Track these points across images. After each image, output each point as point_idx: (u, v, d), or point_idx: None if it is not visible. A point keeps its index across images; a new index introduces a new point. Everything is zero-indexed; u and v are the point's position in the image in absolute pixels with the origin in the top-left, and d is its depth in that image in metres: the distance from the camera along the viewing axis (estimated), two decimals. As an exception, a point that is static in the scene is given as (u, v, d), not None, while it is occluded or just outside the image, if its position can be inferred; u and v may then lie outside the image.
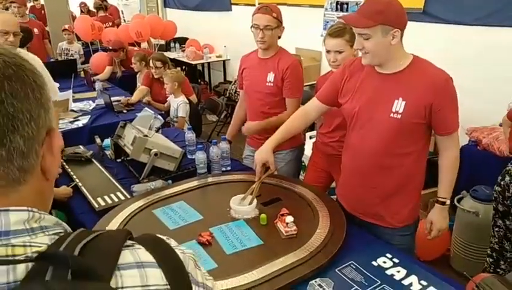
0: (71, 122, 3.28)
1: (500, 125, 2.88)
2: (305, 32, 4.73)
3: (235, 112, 2.70)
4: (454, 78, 1.58)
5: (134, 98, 3.92)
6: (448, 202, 1.65)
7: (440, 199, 1.65)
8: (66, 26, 5.51)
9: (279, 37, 2.31)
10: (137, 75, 4.57)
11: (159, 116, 2.63)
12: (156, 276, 0.52)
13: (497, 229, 2.28)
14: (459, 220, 2.68)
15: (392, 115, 1.54)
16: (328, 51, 2.12)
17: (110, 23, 6.87)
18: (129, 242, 0.54)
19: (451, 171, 1.64)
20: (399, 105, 1.53)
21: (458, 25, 3.38)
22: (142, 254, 0.53)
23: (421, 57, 1.59)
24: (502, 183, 2.19)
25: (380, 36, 1.47)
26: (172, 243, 0.59)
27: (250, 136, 2.56)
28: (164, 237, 0.60)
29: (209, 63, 6.57)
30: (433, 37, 3.46)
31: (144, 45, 6.43)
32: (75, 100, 3.83)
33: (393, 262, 1.45)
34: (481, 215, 2.51)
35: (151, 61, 4.04)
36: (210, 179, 2.09)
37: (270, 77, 2.32)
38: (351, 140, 1.72)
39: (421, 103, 1.50)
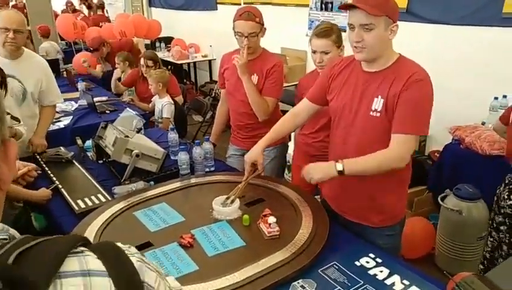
0: (53, 123, 3.21)
1: (483, 124, 2.92)
2: (290, 32, 4.73)
3: (217, 112, 2.67)
4: (437, 77, 1.56)
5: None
6: (339, 167, 1.50)
7: (338, 161, 1.52)
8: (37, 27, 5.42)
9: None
10: (122, 75, 4.51)
11: (141, 117, 2.58)
12: (103, 285, 0.49)
13: (491, 239, 2.30)
14: (443, 218, 2.70)
15: (371, 113, 1.54)
16: (314, 52, 2.11)
17: (105, 22, 6.80)
18: (79, 249, 0.50)
19: (371, 157, 1.49)
20: (378, 103, 1.52)
21: (441, 24, 3.41)
22: (91, 262, 0.50)
23: (406, 56, 1.58)
24: (497, 192, 2.21)
25: (382, 29, 1.45)
26: (132, 250, 0.57)
27: (235, 136, 2.54)
28: (124, 246, 0.56)
29: (194, 63, 6.54)
30: (417, 36, 3.48)
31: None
32: (57, 101, 3.75)
33: (376, 262, 1.45)
34: (464, 214, 2.53)
35: (142, 59, 3.99)
36: (193, 180, 2.06)
37: (254, 79, 2.30)
38: (335, 138, 1.71)
39: (394, 100, 1.48)
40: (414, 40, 3.45)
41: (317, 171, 1.59)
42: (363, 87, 1.57)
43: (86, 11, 8.68)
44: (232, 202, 1.72)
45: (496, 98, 2.95)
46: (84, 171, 2.24)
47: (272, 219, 1.56)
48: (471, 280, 1.06)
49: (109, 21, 7.01)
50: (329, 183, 1.81)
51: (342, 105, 1.63)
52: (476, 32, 3.19)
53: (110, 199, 1.92)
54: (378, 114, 1.52)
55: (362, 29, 1.46)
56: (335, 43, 2.05)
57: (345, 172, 1.51)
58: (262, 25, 2.24)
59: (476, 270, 2.60)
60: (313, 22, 4.46)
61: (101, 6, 7.74)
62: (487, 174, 2.62)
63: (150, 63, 3.93)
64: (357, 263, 1.44)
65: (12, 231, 0.52)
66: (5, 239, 0.49)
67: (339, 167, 1.52)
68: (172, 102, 3.65)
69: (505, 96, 2.94)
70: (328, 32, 2.05)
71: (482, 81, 3.17)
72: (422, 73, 1.49)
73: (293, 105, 2.41)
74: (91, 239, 1.53)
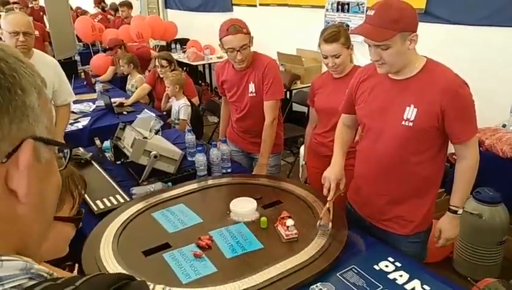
0: (71, 124, 3.26)
1: (504, 126, 2.86)
2: (306, 33, 4.70)
3: (222, 114, 2.70)
4: None
5: (132, 99, 3.90)
6: (460, 211, 1.59)
7: (452, 208, 1.60)
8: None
9: None
10: (128, 78, 4.55)
11: (159, 118, 2.60)
12: None
13: None
14: (462, 222, 2.63)
15: (403, 122, 1.50)
16: (325, 57, 2.09)
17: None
18: None
19: (464, 180, 1.58)
20: (410, 112, 1.48)
21: (461, 25, 3.35)
22: None
23: (434, 59, 1.54)
24: None
25: (399, 44, 1.41)
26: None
27: (239, 138, 2.54)
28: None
29: (210, 64, 6.55)
30: (436, 37, 3.43)
31: (150, 45, 6.42)
32: (75, 102, 3.79)
33: (396, 266, 1.43)
34: (485, 218, 2.48)
35: (157, 60, 4.02)
36: (210, 182, 2.07)
37: (252, 87, 2.31)
38: (363, 146, 1.69)
39: (433, 110, 1.45)
40: (433, 41, 3.40)
41: (451, 231, 1.64)
42: (392, 95, 1.53)
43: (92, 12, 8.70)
44: (330, 221, 1.57)
45: (518, 100, 2.89)
46: (102, 172, 2.27)
47: (290, 222, 1.55)
48: (495, 287, 1.04)
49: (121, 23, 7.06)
50: (354, 188, 1.79)
51: (369, 113, 1.61)
52: (496, 33, 3.13)
53: (128, 199, 1.94)
54: (411, 124, 1.48)
55: (378, 48, 1.44)
56: (344, 45, 2.03)
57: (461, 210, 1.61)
58: (250, 34, 2.23)
59: (495, 275, 2.55)
60: (328, 23, 4.43)
61: (115, 8, 7.76)
62: (508, 178, 2.57)
63: (164, 63, 3.96)
64: (376, 267, 1.43)
65: (37, 269, 0.44)
66: (24, 284, 0.42)
67: (460, 212, 1.62)
68: (189, 104, 3.67)
69: (526, 98, 2.88)
70: (336, 36, 2.02)
71: (503, 83, 3.11)
72: (456, 79, 1.47)
73: (306, 106, 2.41)
74: (110, 240, 1.56)
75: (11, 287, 0.40)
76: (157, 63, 3.99)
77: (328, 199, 1.62)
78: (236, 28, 2.16)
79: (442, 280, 1.37)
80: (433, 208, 1.68)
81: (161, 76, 4.00)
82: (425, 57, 1.53)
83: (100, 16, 7.12)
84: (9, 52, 0.46)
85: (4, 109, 0.43)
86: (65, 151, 0.54)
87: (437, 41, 3.38)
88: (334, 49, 2.03)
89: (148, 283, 0.48)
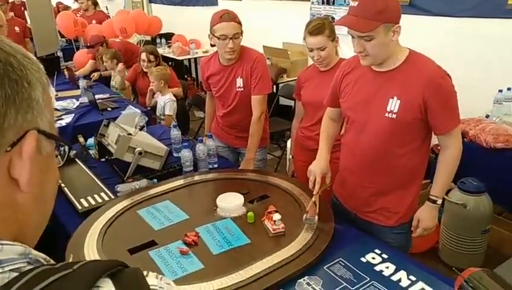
0: (54, 121, 3.20)
1: (487, 116, 2.90)
2: (291, 27, 4.69)
3: (207, 110, 2.68)
4: None
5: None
6: (439, 201, 1.60)
7: (431, 197, 1.60)
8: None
9: None
10: (112, 74, 4.49)
11: (144, 114, 2.57)
12: None
13: None
14: (447, 212, 2.68)
15: (387, 114, 1.50)
16: (310, 50, 2.09)
17: (94, 22, 6.73)
18: (103, 283, 0.43)
19: (446, 170, 1.59)
20: (394, 104, 1.49)
21: (445, 17, 3.37)
22: None
23: (416, 51, 1.54)
24: None
25: (382, 36, 1.42)
26: (163, 284, 0.48)
27: (225, 133, 2.52)
28: (155, 281, 0.48)
29: (195, 59, 6.50)
30: (420, 29, 3.45)
31: (135, 40, 6.32)
32: (58, 99, 3.74)
33: (382, 258, 1.44)
34: (469, 207, 2.51)
35: (143, 54, 3.97)
36: (196, 177, 2.05)
37: (239, 82, 2.29)
38: (347, 138, 1.70)
39: (416, 102, 1.46)
40: (418, 33, 3.42)
41: (430, 221, 1.63)
42: (376, 87, 1.54)
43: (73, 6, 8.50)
44: (316, 214, 1.57)
45: (501, 91, 2.93)
46: (86, 169, 2.24)
47: (276, 216, 1.55)
48: (479, 276, 1.05)
49: (108, 17, 6.93)
50: (339, 181, 1.80)
51: (353, 105, 1.61)
52: (479, 25, 3.16)
53: (113, 197, 1.92)
54: (394, 115, 1.49)
55: (362, 39, 1.44)
56: (329, 37, 2.03)
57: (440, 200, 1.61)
58: (241, 26, 2.20)
59: (479, 264, 2.59)
60: (314, 16, 4.42)
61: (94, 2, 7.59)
62: (491, 167, 2.60)
63: (152, 57, 3.91)
64: (363, 259, 1.43)
65: (35, 255, 0.45)
66: (23, 267, 0.43)
67: (439, 202, 1.61)
68: (175, 99, 3.63)
69: (509, 89, 2.91)
70: (321, 28, 2.02)
71: (486, 74, 3.14)
72: (438, 70, 1.48)
73: (293, 99, 2.41)
74: (94, 238, 1.53)
75: (10, 270, 0.42)
76: (143, 57, 3.93)
77: (314, 192, 1.62)
78: (230, 16, 2.15)
79: (428, 270, 1.38)
80: (417, 199, 1.69)
81: (144, 70, 3.96)
82: (408, 48, 1.53)
83: (82, 11, 6.98)
84: (16, 49, 0.48)
85: (12, 100, 0.45)
86: (61, 149, 0.56)
87: (422, 33, 3.40)
88: (319, 41, 2.02)
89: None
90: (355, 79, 1.61)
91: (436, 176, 1.61)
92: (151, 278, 0.47)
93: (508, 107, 2.90)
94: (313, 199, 1.60)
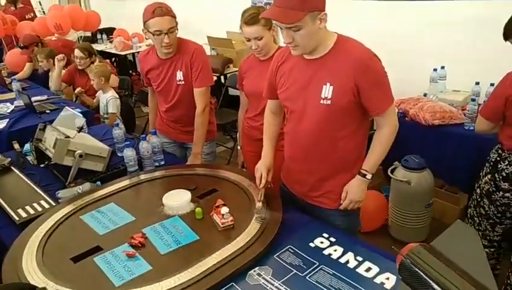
0: None
1: (425, 95, 3.03)
2: (234, 15, 4.62)
3: (150, 106, 2.61)
4: (379, 52, 1.54)
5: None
6: (369, 176, 1.62)
7: (362, 171, 1.62)
8: None
9: None
10: (49, 74, 4.26)
11: (80, 114, 2.46)
12: None
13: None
14: (394, 190, 2.80)
15: (322, 101, 1.51)
16: (248, 40, 2.07)
17: (32, 14, 6.32)
18: None
19: (379, 147, 1.61)
20: (327, 90, 1.50)
21: (375, 0, 3.47)
22: None
23: (344, 35, 1.56)
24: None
25: (310, 25, 1.40)
26: None
27: (169, 128, 2.47)
28: None
29: (139, 53, 6.31)
30: (355, 12, 3.54)
31: (74, 36, 6.00)
32: (-11, 104, 3.51)
33: (330, 241, 1.47)
34: (413, 184, 2.62)
35: (76, 50, 3.79)
36: (142, 177, 1.99)
37: (179, 75, 2.24)
38: (287, 128, 1.70)
39: (348, 86, 1.47)
40: (353, 16, 3.51)
41: (358, 194, 1.63)
42: (309, 75, 1.54)
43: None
44: (262, 207, 1.59)
45: (435, 70, 3.06)
46: (24, 177, 2.10)
47: (224, 210, 1.54)
48: (417, 250, 1.09)
49: (33, 12, 6.50)
50: (286, 169, 1.80)
51: (290, 96, 1.61)
52: (411, 6, 3.29)
53: (54, 204, 1.82)
54: (329, 101, 1.50)
55: (290, 30, 1.42)
56: (265, 26, 2.01)
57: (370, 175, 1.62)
58: (176, 18, 2.15)
59: (425, 236, 2.73)
60: (256, 3, 4.41)
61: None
62: (431, 144, 2.73)
63: (86, 54, 3.76)
64: (312, 245, 1.45)
65: None
66: None
67: (369, 177, 1.61)
68: (117, 96, 3.50)
69: (443, 68, 3.06)
70: (256, 18, 1.99)
71: (422, 54, 3.28)
72: (365, 52, 1.49)
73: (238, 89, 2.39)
74: (34, 250, 1.46)
75: None
76: (76, 54, 3.76)
77: (260, 186, 1.66)
78: (164, 10, 2.07)
79: (373, 249, 1.42)
80: None
81: (79, 68, 3.80)
82: (336, 33, 1.54)
83: (21, 5, 6.53)
84: None
85: None
86: None
87: (358, 16, 3.49)
88: (255, 31, 2.00)
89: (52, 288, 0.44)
90: (289, 69, 1.61)
91: (370, 152, 1.63)
92: None
93: (442, 85, 3.05)
94: (259, 192, 1.64)
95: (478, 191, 2.22)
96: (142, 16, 2.12)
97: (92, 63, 3.80)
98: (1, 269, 1.39)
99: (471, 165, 2.47)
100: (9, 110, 3.38)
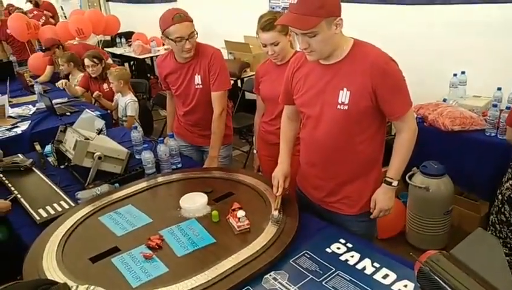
0: (8, 129, 3.07)
1: (444, 100, 2.98)
2: (252, 19, 4.65)
3: (168, 109, 2.64)
4: (397, 58, 1.54)
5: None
6: (395, 183, 1.61)
7: (387, 179, 1.62)
8: None
9: None
10: (70, 77, 4.35)
11: (101, 117, 2.50)
12: None
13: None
14: (412, 196, 2.76)
15: (339, 106, 1.50)
16: (264, 45, 2.07)
17: (44, 19, 6.45)
18: None
19: (400, 152, 1.60)
20: (344, 95, 1.49)
21: (397, 5, 3.44)
22: None
23: (360, 40, 1.55)
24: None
25: (326, 30, 1.40)
26: None
27: (188, 131, 2.49)
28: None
29: (157, 56, 6.38)
30: (371, 16, 3.51)
31: (94, 40, 6.12)
32: (12, 105, 3.59)
33: (347, 247, 1.45)
34: (431, 190, 2.58)
35: (86, 60, 3.86)
36: (160, 179, 2.01)
37: (198, 79, 2.26)
38: (304, 133, 1.70)
39: (365, 90, 1.46)
40: (369, 20, 3.48)
41: (386, 202, 1.63)
42: (325, 80, 1.53)
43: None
44: (279, 213, 1.58)
45: (455, 75, 3.02)
46: (45, 178, 2.15)
47: (241, 213, 1.54)
48: (436, 258, 1.07)
49: (48, 18, 6.61)
50: (302, 174, 1.80)
51: (306, 101, 1.61)
52: (430, 10, 3.25)
53: (73, 205, 1.85)
54: (346, 107, 1.49)
55: (306, 36, 1.42)
56: (281, 32, 2.00)
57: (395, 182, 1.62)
58: (193, 22, 2.17)
59: (444, 244, 2.68)
60: (273, 8, 4.42)
61: (35, 3, 7.23)
62: (450, 150, 2.69)
63: (96, 60, 3.83)
64: (328, 250, 1.44)
65: None
66: None
67: (395, 184, 1.61)
68: (136, 99, 3.55)
69: (463, 73, 3.01)
70: (272, 24, 1.98)
71: (441, 58, 3.24)
72: (382, 56, 1.48)
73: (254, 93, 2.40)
74: (54, 249, 1.48)
75: None
76: (87, 63, 3.83)
77: (278, 194, 1.65)
78: (182, 16, 2.10)
79: (391, 256, 1.41)
80: (378, 186, 1.69)
81: (93, 75, 3.89)
82: (352, 38, 1.53)
83: (35, 12, 6.69)
84: None
85: None
86: None
87: (374, 22, 3.46)
88: (271, 37, 2.01)
89: (71, 285, 0.45)
90: (305, 75, 1.60)
91: (392, 158, 1.62)
92: None
93: (462, 90, 3.00)
94: (276, 200, 1.64)
95: (500, 197, 2.17)
96: (160, 23, 2.14)
97: (103, 68, 3.87)
98: (22, 267, 1.42)
99: (493, 172, 2.42)
100: (31, 112, 3.45)
